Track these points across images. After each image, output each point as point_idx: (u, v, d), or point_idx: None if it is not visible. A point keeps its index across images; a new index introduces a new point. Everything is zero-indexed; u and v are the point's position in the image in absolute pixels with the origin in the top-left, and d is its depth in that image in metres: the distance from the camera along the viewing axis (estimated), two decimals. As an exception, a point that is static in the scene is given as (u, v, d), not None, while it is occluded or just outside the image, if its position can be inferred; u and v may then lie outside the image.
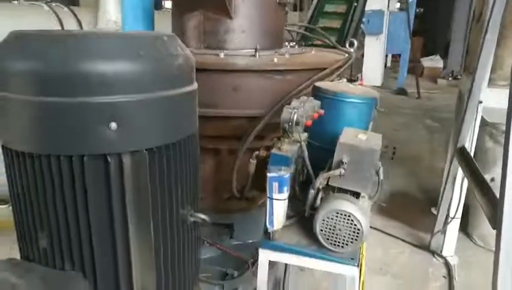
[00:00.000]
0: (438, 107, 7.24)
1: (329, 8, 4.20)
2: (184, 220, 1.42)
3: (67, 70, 1.06)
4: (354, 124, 1.45)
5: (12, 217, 1.30)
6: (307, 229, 1.37)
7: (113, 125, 1.11)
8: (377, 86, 9.23)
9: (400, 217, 3.69)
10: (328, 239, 1.26)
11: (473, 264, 2.98)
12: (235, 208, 2.15)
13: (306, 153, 1.36)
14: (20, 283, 1.16)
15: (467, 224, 3.29)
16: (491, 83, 2.52)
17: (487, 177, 2.04)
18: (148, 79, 1.17)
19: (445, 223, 2.88)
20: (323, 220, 1.25)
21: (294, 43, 2.63)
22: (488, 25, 2.15)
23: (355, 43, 2.23)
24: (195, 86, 1.41)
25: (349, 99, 1.45)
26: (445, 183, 2.84)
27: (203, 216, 1.46)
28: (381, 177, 1.48)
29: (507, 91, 1.64)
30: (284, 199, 1.24)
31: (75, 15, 3.24)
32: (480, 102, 2.46)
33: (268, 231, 1.29)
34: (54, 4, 3.18)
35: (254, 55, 1.98)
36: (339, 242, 1.25)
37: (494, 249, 1.57)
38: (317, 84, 1.61)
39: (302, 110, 1.27)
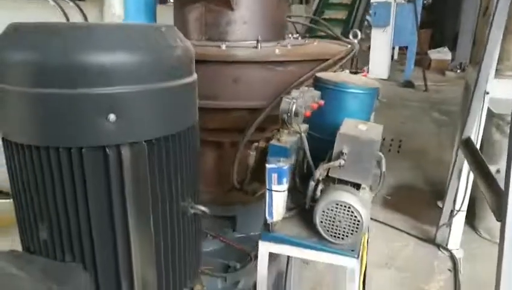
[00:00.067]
0: (446, 100, 7.16)
1: (334, -1, 4.16)
2: (184, 212, 1.42)
3: (65, 62, 1.06)
4: (355, 115, 1.43)
5: (13, 210, 1.31)
6: (307, 221, 1.36)
7: (112, 116, 1.11)
8: (384, 79, 9.16)
9: (405, 210, 3.68)
10: (328, 231, 1.26)
11: (478, 257, 2.95)
12: (238, 200, 2.14)
13: (306, 144, 1.35)
14: (20, 274, 1.17)
15: (473, 217, 3.26)
16: (498, 73, 2.48)
17: (493, 168, 2.01)
18: (147, 70, 1.17)
19: (451, 216, 2.86)
20: (323, 211, 1.24)
21: (297, 34, 2.60)
22: (494, 14, 2.11)
23: (359, 34, 2.21)
24: (194, 77, 1.40)
25: (350, 90, 1.43)
26: (451, 175, 2.81)
27: (203, 208, 1.45)
28: (384, 168, 1.47)
29: (514, 82, 1.60)
30: (284, 191, 1.23)
31: (80, 9, 3.25)
32: (487, 93, 2.42)
33: (268, 222, 1.29)
34: (59, -2, 3.19)
35: (256, 47, 1.96)
36: (339, 234, 1.25)
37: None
38: (318, 74, 1.59)
39: (301, 100, 1.25)
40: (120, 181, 1.18)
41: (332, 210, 1.23)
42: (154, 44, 1.22)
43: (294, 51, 1.96)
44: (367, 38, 9.45)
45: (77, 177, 1.14)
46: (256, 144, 1.34)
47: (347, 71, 1.91)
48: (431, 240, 3.18)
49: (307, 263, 2.67)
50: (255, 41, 1.99)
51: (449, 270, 2.87)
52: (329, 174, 1.27)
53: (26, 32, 1.12)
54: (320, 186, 1.30)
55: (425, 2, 9.69)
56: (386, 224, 3.45)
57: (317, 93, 1.41)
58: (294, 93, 1.29)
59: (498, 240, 1.61)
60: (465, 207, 2.81)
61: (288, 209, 1.45)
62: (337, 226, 1.23)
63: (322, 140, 1.47)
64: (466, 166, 2.63)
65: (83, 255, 1.21)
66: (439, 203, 3.57)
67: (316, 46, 2.23)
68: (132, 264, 1.26)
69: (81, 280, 1.25)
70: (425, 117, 6.59)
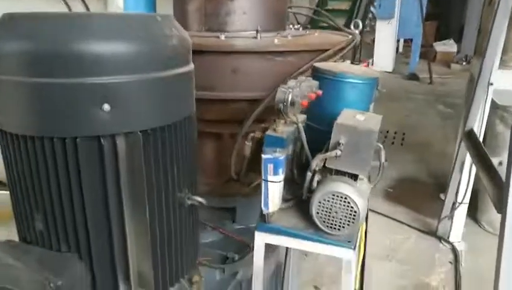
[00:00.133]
0: (451, 93, 7.10)
1: (338, -11, 4.12)
2: (181, 203, 1.42)
3: (59, 51, 1.05)
4: (354, 105, 1.41)
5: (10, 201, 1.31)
6: (304, 212, 1.35)
7: (106, 106, 1.11)
8: (388, 72, 9.08)
9: (407, 202, 3.66)
10: (324, 222, 1.25)
11: (480, 250, 2.94)
12: (237, 192, 2.14)
13: (303, 135, 1.34)
14: (16, 265, 1.17)
15: (476, 210, 3.24)
16: (503, 64, 2.44)
17: (495, 161, 1.98)
18: (142, 60, 1.16)
19: (453, 208, 2.84)
20: (320, 202, 1.23)
21: (298, 25, 2.58)
22: (498, 4, 2.07)
23: (360, 24, 2.17)
24: (191, 67, 1.39)
25: (349, 80, 1.41)
26: (453, 168, 2.79)
27: (200, 199, 1.45)
28: (383, 159, 1.45)
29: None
30: (279, 181, 1.22)
31: (83, 1, 3.24)
32: (491, 84, 2.38)
33: (263, 213, 1.28)
34: (62, -10, 3.17)
35: (255, 37, 1.94)
36: (335, 225, 1.23)
37: (502, 234, 1.53)
38: (317, 64, 1.57)
39: (297, 90, 1.24)
40: (115, 171, 1.18)
41: (328, 201, 1.22)
42: (149, 33, 1.21)
43: (293, 42, 1.94)
44: (372, 30, 9.38)
45: (72, 168, 1.14)
46: (252, 134, 1.33)
47: (348, 62, 1.89)
48: (433, 233, 3.17)
49: (306, 255, 2.67)
50: (255, 32, 1.97)
51: (450, 262, 2.86)
52: (326, 165, 1.26)
53: (21, 21, 1.11)
54: (316, 177, 1.29)
55: (431, -7, 9.56)
56: (387, 216, 3.44)
57: (315, 83, 1.40)
58: (291, 82, 1.28)
59: (500, 233, 1.59)
60: (467, 200, 2.79)
61: (286, 200, 1.44)
62: (333, 217, 1.22)
63: (320, 131, 1.46)
64: (469, 158, 2.60)
65: (79, 246, 1.21)
66: (442, 196, 3.54)
67: (317, 37, 2.20)
68: (128, 254, 1.26)
69: (76, 270, 1.25)
70: (429, 110, 6.53)
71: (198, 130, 2.17)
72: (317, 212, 1.24)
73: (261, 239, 1.33)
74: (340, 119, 1.25)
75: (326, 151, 1.26)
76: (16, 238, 1.32)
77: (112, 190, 1.18)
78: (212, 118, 2.07)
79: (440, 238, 3.08)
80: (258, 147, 1.29)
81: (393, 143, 5.21)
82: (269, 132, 1.26)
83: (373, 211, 3.49)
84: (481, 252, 2.91)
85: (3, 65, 1.10)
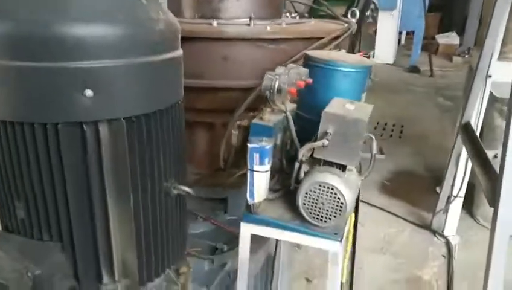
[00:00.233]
0: (451, 85, 7.03)
1: (339, -23, 4.05)
2: (167, 193, 1.39)
3: (39, 34, 1.01)
4: (345, 94, 1.37)
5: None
6: (292, 203, 1.32)
7: (89, 92, 1.08)
8: (390, 64, 9.01)
9: (403, 195, 3.64)
10: (310, 213, 1.22)
11: (474, 244, 2.92)
12: (229, 182, 2.11)
13: (292, 124, 1.30)
14: (-2, 254, 1.15)
15: (471, 204, 3.22)
16: (502, 56, 2.38)
17: (491, 154, 1.95)
18: (126, 44, 1.12)
19: (448, 201, 2.81)
20: (306, 193, 1.20)
21: (295, 14, 2.52)
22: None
23: (357, 13, 2.13)
24: (179, 53, 1.35)
25: (340, 68, 1.37)
26: (449, 161, 2.75)
27: (187, 189, 1.42)
28: (374, 151, 1.42)
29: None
30: (266, 171, 1.19)
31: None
32: (489, 76, 2.34)
33: (249, 203, 1.25)
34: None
35: (248, 24, 1.90)
36: (321, 216, 1.21)
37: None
38: (308, 52, 1.53)
39: (285, 77, 1.20)
40: (98, 159, 1.15)
41: (315, 192, 1.19)
42: (134, 16, 1.17)
43: (287, 29, 1.90)
44: (373, 22, 9.27)
45: (53, 155, 1.11)
46: (239, 122, 1.30)
47: (343, 51, 1.85)
48: (427, 226, 3.15)
49: (298, 247, 2.65)
50: (248, 19, 1.93)
51: (443, 256, 2.84)
52: (314, 155, 1.22)
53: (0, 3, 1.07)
54: (304, 168, 1.26)
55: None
56: (382, 209, 3.42)
57: (305, 70, 1.36)
58: (279, 69, 1.24)
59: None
60: (462, 193, 2.76)
61: (274, 190, 1.42)
62: (320, 208, 1.20)
63: (311, 120, 1.42)
64: (465, 151, 2.57)
65: (61, 235, 1.19)
66: (438, 189, 3.52)
67: (311, 25, 2.16)
68: (111, 243, 1.24)
69: (57, 259, 1.23)
70: (429, 102, 6.48)
71: (190, 120, 2.15)
72: (304, 203, 1.21)
73: (246, 230, 1.30)
74: (328, 108, 1.21)
75: (315, 141, 1.22)
76: (-2, 227, 1.29)
77: (94, 178, 1.16)
78: (203, 107, 2.04)
79: (434, 232, 3.06)
80: (246, 135, 1.25)
81: (391, 136, 5.18)
82: (255, 120, 1.22)
83: (368, 203, 3.47)
84: (475, 247, 2.89)
85: (-19, 48, 1.06)
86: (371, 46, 9.20)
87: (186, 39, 1.77)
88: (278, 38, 1.81)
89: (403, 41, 10.67)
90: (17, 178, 1.15)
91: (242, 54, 1.83)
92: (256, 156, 1.15)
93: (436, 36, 10.06)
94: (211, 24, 1.91)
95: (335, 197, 1.17)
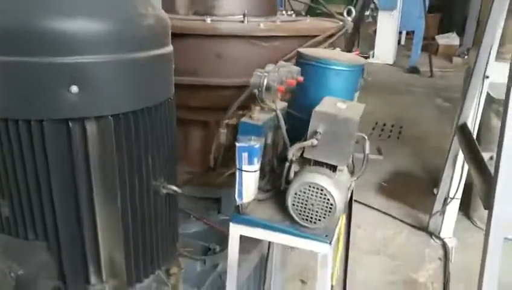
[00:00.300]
0: (451, 86, 7.01)
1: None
2: (157, 192, 1.37)
3: (23, 27, 0.99)
4: (337, 93, 1.35)
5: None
6: (282, 203, 1.29)
7: (74, 88, 1.05)
8: (389, 64, 8.98)
9: (400, 197, 3.61)
10: (300, 214, 1.19)
11: (471, 247, 2.89)
12: (219, 182, 2.09)
13: (282, 123, 1.27)
14: (-20, 252, 1.13)
15: (468, 206, 3.19)
16: (499, 57, 2.35)
17: (487, 155, 1.92)
18: (113, 39, 1.10)
19: (444, 203, 2.78)
20: (295, 194, 1.17)
21: (292, 11, 2.50)
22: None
23: (353, 11, 2.10)
24: (168, 49, 1.32)
25: (332, 66, 1.34)
26: (446, 162, 2.73)
27: (175, 188, 1.40)
28: (367, 151, 1.39)
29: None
30: (255, 171, 1.16)
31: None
32: (487, 77, 2.31)
33: (237, 203, 1.22)
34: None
35: (242, 21, 1.87)
36: (311, 217, 1.18)
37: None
38: (300, 49, 1.50)
39: (274, 74, 1.17)
40: (85, 157, 1.13)
41: (304, 193, 1.16)
42: (122, 11, 1.15)
43: (281, 27, 1.87)
44: (373, 21, 9.25)
45: (38, 152, 1.09)
46: (227, 121, 1.27)
47: (338, 49, 1.82)
48: (424, 228, 3.12)
49: (292, 248, 2.62)
50: (242, 16, 1.90)
51: (440, 259, 2.81)
52: (304, 155, 1.20)
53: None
54: (294, 168, 1.23)
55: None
56: (379, 211, 3.39)
57: (296, 68, 1.33)
58: (269, 67, 1.21)
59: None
60: (459, 195, 2.73)
61: (265, 191, 1.39)
62: (309, 209, 1.17)
63: (302, 119, 1.39)
64: (462, 153, 2.54)
65: (46, 233, 1.17)
66: (436, 191, 3.49)
67: (306, 23, 2.13)
68: (99, 243, 1.22)
69: (42, 258, 1.21)
70: (428, 103, 6.46)
71: (184, 117, 2.13)
72: (293, 204, 1.19)
73: (235, 231, 1.27)
74: (319, 107, 1.18)
75: (305, 140, 1.20)
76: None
77: (81, 176, 1.14)
78: (197, 105, 2.02)
79: (431, 234, 3.03)
80: (235, 134, 1.23)
81: (389, 136, 5.15)
82: (244, 119, 1.19)
83: (365, 205, 3.45)
84: (472, 249, 2.86)
85: (-37, 42, 1.04)
86: (371, 46, 9.18)
87: (180, 36, 1.75)
88: (272, 36, 1.78)
89: (402, 42, 10.64)
90: (1, 175, 1.13)
91: (235, 51, 1.81)
92: (245, 155, 1.12)
93: (436, 37, 10.03)
94: (204, 21, 1.89)
95: (324, 198, 1.15)
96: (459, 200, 2.82)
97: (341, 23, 2.03)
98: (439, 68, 8.48)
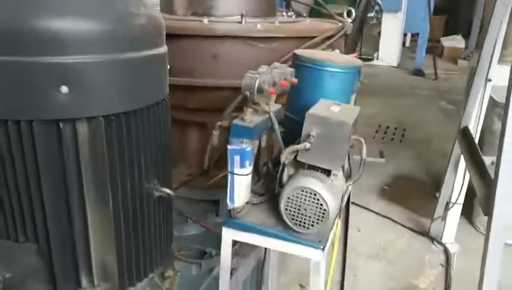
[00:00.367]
0: (455, 89, 6.94)
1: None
2: (150, 194, 1.35)
3: (13, 26, 0.97)
4: (333, 96, 1.32)
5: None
6: (276, 208, 1.27)
7: (64, 88, 1.04)
8: (393, 66, 8.93)
9: (402, 201, 3.57)
10: (293, 219, 1.16)
11: (473, 252, 2.83)
12: (217, 184, 2.06)
13: (276, 125, 1.25)
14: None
15: (471, 211, 3.14)
16: (502, 59, 2.31)
17: (488, 160, 1.88)
18: (104, 39, 1.08)
19: (446, 208, 2.74)
20: (288, 198, 1.15)
21: (292, 12, 2.48)
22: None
23: (353, 13, 2.07)
24: (162, 49, 1.31)
25: (327, 68, 1.31)
26: (448, 166, 2.68)
27: (168, 191, 1.38)
28: (364, 155, 1.37)
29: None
30: (246, 174, 1.14)
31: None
32: (489, 80, 2.27)
33: (228, 208, 1.20)
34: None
35: (240, 22, 1.85)
36: (304, 222, 1.15)
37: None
38: (296, 51, 1.47)
39: (266, 76, 1.15)
40: (76, 158, 1.12)
41: (297, 197, 1.13)
42: (113, 11, 1.13)
43: (278, 28, 1.85)
44: (378, 23, 9.20)
45: (28, 152, 1.08)
46: (219, 122, 1.25)
47: (337, 51, 1.79)
48: (426, 233, 3.08)
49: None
50: (240, 17, 1.88)
51: (441, 265, 2.76)
52: (298, 159, 1.17)
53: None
54: (288, 171, 1.20)
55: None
56: (380, 215, 3.35)
57: (290, 70, 1.30)
58: (262, 68, 1.19)
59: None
60: (461, 200, 2.69)
61: (259, 194, 1.37)
62: (302, 214, 1.14)
63: (298, 122, 1.37)
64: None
65: (37, 236, 1.15)
66: (438, 195, 3.45)
67: (305, 24, 2.11)
68: (90, 245, 1.20)
69: (32, 261, 1.19)
70: (432, 106, 6.40)
71: (181, 119, 2.11)
72: (286, 209, 1.16)
73: (228, 236, 1.25)
74: (312, 110, 1.16)
75: (299, 143, 1.17)
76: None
77: (72, 177, 1.12)
78: (194, 106, 2.00)
79: (432, 239, 2.98)
80: (227, 136, 1.20)
81: (392, 139, 5.11)
82: (236, 121, 1.17)
83: (366, 208, 3.41)
84: (474, 255, 2.80)
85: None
86: (375, 47, 9.14)
87: (176, 36, 1.74)
88: (269, 37, 1.76)
89: (407, 44, 10.59)
90: (-9, 175, 1.12)
91: (232, 52, 1.78)
92: (237, 158, 1.10)
93: (442, 39, 9.96)
94: (201, 21, 1.87)
95: (317, 203, 1.12)
96: (461, 205, 2.78)
97: (340, 24, 2.01)
98: (444, 71, 8.42)
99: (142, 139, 1.24)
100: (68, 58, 1.03)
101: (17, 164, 1.08)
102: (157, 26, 1.28)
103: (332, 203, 1.11)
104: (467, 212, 3.11)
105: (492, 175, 1.61)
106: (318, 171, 1.18)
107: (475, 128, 2.38)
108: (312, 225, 1.14)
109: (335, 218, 1.19)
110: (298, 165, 1.22)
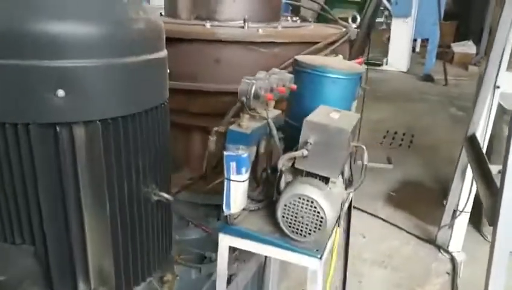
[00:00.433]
0: (465, 95, 6.86)
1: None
2: (147, 199, 1.35)
3: (10, 30, 0.98)
4: (334, 102, 1.30)
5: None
6: (273, 214, 1.25)
7: (61, 92, 1.05)
8: (403, 72, 8.86)
9: (409, 207, 3.52)
10: (290, 226, 1.14)
11: (481, 261, 2.76)
12: (208, 189, 2.05)
13: (274, 131, 1.23)
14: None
15: (479, 218, 3.08)
16: (511, 66, 2.27)
17: (495, 168, 1.84)
18: (102, 43, 1.09)
19: (453, 216, 2.69)
20: (285, 205, 1.13)
21: (297, 17, 2.46)
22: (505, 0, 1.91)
23: (358, 18, 2.05)
24: (162, 54, 1.31)
25: (328, 74, 1.30)
26: (455, 174, 2.64)
27: (166, 195, 1.37)
28: (365, 162, 1.34)
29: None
30: (243, 181, 1.13)
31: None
32: (498, 87, 2.23)
33: (224, 214, 1.19)
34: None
35: (243, 27, 1.85)
36: (301, 230, 1.13)
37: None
38: (297, 56, 1.46)
39: (263, 82, 1.13)
40: (72, 161, 1.12)
41: (294, 204, 1.12)
42: (111, 15, 1.13)
43: (281, 33, 1.84)
44: (387, 28, 9.15)
45: (24, 155, 1.09)
46: (216, 128, 1.24)
47: (340, 57, 1.77)
48: (432, 241, 3.03)
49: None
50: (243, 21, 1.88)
51: (447, 273, 2.71)
52: (295, 166, 1.15)
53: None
54: (286, 178, 1.19)
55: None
56: (386, 221, 3.30)
57: (289, 76, 1.29)
58: (260, 74, 1.18)
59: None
60: (468, 208, 2.64)
61: (258, 201, 1.35)
62: (299, 222, 1.12)
63: (298, 129, 1.35)
64: (471, 164, 2.46)
65: (34, 238, 1.16)
66: (445, 202, 3.39)
67: (309, 29, 2.09)
68: (87, 248, 1.21)
69: (28, 264, 1.19)
70: (441, 112, 6.33)
71: (185, 123, 2.11)
72: (283, 216, 1.14)
73: (224, 242, 1.24)
74: (310, 116, 1.14)
75: (297, 150, 1.16)
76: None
77: (69, 181, 1.13)
78: (197, 111, 1.99)
79: (439, 247, 2.93)
80: (224, 142, 1.19)
81: (400, 145, 5.05)
82: (233, 127, 1.16)
83: (372, 214, 3.37)
84: (481, 264, 2.74)
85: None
86: (384, 53, 9.08)
87: (179, 40, 1.74)
88: (271, 42, 1.75)
89: (417, 49, 10.50)
90: (-12, 178, 1.12)
91: (234, 57, 1.78)
92: (233, 164, 1.09)
93: (452, 45, 9.86)
94: (204, 25, 1.87)
95: (315, 211, 1.10)
96: (469, 214, 2.72)
97: (344, 29, 1.99)
98: (454, 76, 8.33)
99: (140, 143, 1.24)
100: (66, 62, 1.04)
101: (14, 166, 1.08)
102: (157, 31, 1.28)
103: (330, 212, 1.09)
104: (475, 220, 3.06)
105: (498, 184, 1.57)
106: (316, 178, 1.16)
107: (483, 136, 2.33)
108: (309, 233, 1.12)
109: (333, 226, 1.17)
110: (296, 172, 1.20)
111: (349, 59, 1.88)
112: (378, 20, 8.92)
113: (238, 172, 1.09)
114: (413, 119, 5.88)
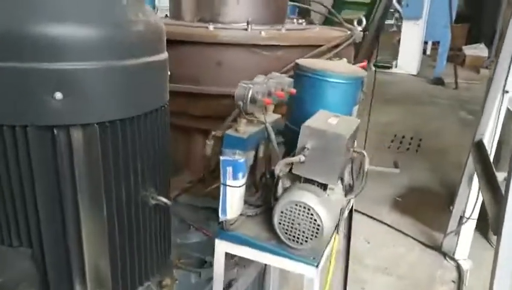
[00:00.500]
0: (476, 99, 6.73)
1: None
2: (145, 202, 1.34)
3: (9, 32, 0.98)
4: (335, 107, 1.28)
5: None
6: (270, 221, 1.23)
7: (58, 95, 1.05)
8: (413, 74, 8.77)
9: (415, 213, 3.47)
10: (286, 233, 1.12)
11: (487, 269, 2.70)
12: (205, 193, 2.03)
13: (273, 136, 1.22)
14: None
15: (486, 225, 3.01)
16: (520, 70, 2.22)
17: (502, 175, 1.80)
18: (100, 45, 1.09)
19: (460, 223, 2.64)
20: (282, 212, 1.11)
21: (302, 20, 2.44)
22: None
23: (364, 21, 2.02)
24: (162, 56, 1.30)
25: (328, 78, 1.27)
26: (461, 180, 2.59)
27: (165, 199, 1.37)
28: (366, 168, 1.32)
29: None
30: (239, 186, 1.11)
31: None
32: (506, 91, 2.18)
33: (220, 220, 1.17)
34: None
35: (246, 29, 1.83)
36: (297, 238, 1.11)
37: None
38: (298, 60, 1.44)
39: (261, 86, 1.12)
40: (70, 164, 1.12)
41: (291, 211, 1.10)
42: (110, 17, 1.13)
43: (284, 35, 1.81)
44: (398, 30, 9.07)
45: (22, 158, 1.09)
46: (213, 132, 1.22)
47: (345, 60, 1.75)
48: (438, 248, 2.98)
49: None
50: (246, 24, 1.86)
51: (453, 281, 2.66)
52: (293, 171, 1.13)
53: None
54: (284, 184, 1.17)
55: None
56: (391, 227, 3.26)
57: (288, 80, 1.27)
58: (258, 78, 1.16)
59: None
60: (475, 215, 2.58)
61: (256, 206, 1.33)
62: (296, 229, 1.10)
63: (298, 133, 1.33)
64: (479, 171, 2.41)
65: (31, 241, 1.15)
66: (452, 208, 3.33)
67: (313, 32, 2.07)
68: (83, 252, 1.20)
69: (25, 266, 1.19)
70: (451, 115, 6.24)
71: (186, 126, 2.10)
72: (280, 223, 1.13)
73: (221, 248, 1.22)
74: (308, 122, 1.12)
75: (294, 155, 1.14)
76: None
77: (66, 183, 1.13)
78: (199, 114, 1.98)
79: (445, 254, 2.88)
80: (220, 146, 1.18)
81: (408, 149, 4.99)
82: (229, 132, 1.14)
83: (377, 219, 3.33)
84: (489, 272, 2.69)
85: None
86: (394, 55, 9.00)
87: (181, 42, 1.73)
88: (273, 45, 1.73)
89: (428, 52, 10.38)
90: (-15, 180, 1.12)
91: (236, 60, 1.76)
92: (229, 169, 1.07)
93: (464, 47, 9.73)
94: (207, 28, 1.86)
95: (311, 219, 1.08)
96: (476, 221, 2.67)
97: (349, 32, 1.96)
98: (465, 80, 8.21)
99: (138, 146, 1.23)
100: (65, 64, 1.04)
101: (11, 169, 1.09)
102: (157, 33, 1.28)
103: (327, 219, 1.07)
104: (482, 227, 2.99)
105: (503, 192, 1.53)
106: (314, 184, 1.14)
107: (491, 141, 2.29)
108: (306, 241, 1.10)
109: (332, 233, 1.15)
110: (294, 177, 1.18)
111: (356, 62, 1.85)
112: (389, 22, 8.85)
113: (235, 177, 1.08)
114: (422, 122, 5.80)
